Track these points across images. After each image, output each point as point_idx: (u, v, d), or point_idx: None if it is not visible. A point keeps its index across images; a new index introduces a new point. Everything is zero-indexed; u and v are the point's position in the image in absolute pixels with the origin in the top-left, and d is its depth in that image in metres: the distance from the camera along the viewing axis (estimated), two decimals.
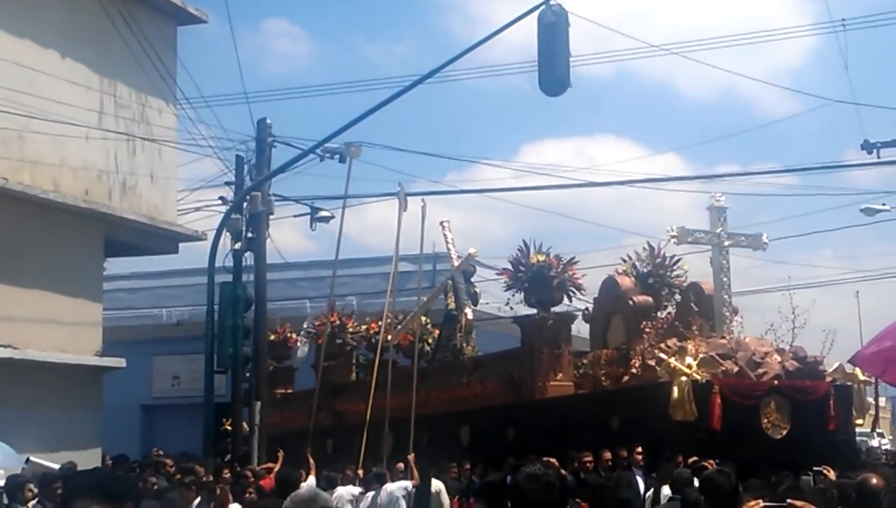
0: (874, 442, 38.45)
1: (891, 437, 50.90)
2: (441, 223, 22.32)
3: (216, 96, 21.13)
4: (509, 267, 18.51)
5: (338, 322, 23.27)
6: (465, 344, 20.95)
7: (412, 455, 16.51)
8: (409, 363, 20.59)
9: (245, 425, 19.67)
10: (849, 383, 16.06)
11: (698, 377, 14.58)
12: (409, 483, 15.75)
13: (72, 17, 18.58)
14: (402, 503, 15.39)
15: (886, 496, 6.63)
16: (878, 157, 23.03)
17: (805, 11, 74.22)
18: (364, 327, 23.82)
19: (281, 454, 16.45)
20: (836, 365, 16.14)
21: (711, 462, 10.98)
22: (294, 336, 24.84)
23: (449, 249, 22.17)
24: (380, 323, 21.81)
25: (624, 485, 14.15)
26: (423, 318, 22.07)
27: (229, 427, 20.34)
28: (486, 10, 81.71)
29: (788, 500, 6.22)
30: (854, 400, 16.08)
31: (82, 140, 18.49)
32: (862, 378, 15.98)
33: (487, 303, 24.23)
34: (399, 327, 21.69)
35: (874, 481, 6.74)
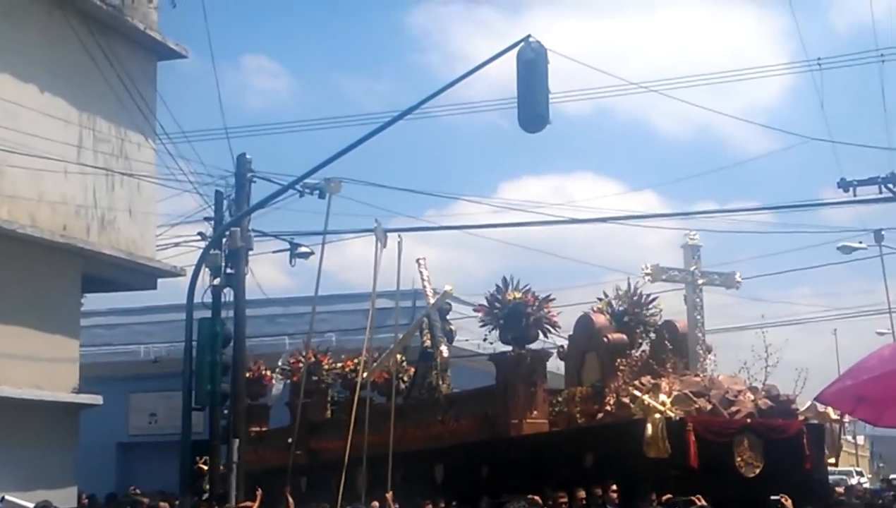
0: (853, 480, 38.49)
1: (870, 475, 51.01)
2: (417, 260, 22.36)
3: (196, 131, 21.04)
4: (486, 303, 18.52)
5: (313, 359, 23.15)
6: (440, 382, 20.91)
7: (390, 493, 16.38)
8: (384, 401, 20.50)
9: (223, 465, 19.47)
10: (821, 422, 16.07)
11: (672, 414, 14.54)
12: None
13: (51, 51, 18.53)
14: None
15: None
16: (855, 195, 23.23)
17: (781, 50, 75.03)
18: (340, 364, 23.71)
19: (259, 492, 16.28)
20: (808, 403, 16.13)
21: (699, 497, 10.95)
22: (269, 373, 24.70)
23: (424, 286, 22.22)
24: (355, 360, 21.75)
25: None
26: (399, 356, 21.99)
27: (204, 466, 20.15)
28: (464, 48, 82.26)
29: None
30: (826, 438, 16.10)
31: (61, 174, 18.39)
32: (834, 416, 16.02)
33: (466, 340, 24.20)
34: (375, 365, 21.60)
35: None
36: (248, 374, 23.74)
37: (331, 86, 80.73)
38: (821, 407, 15.80)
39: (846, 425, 16.78)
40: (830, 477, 37.26)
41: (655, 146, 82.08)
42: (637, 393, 15.07)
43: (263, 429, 24.49)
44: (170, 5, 20.40)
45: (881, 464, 69.77)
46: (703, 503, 9.76)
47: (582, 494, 15.15)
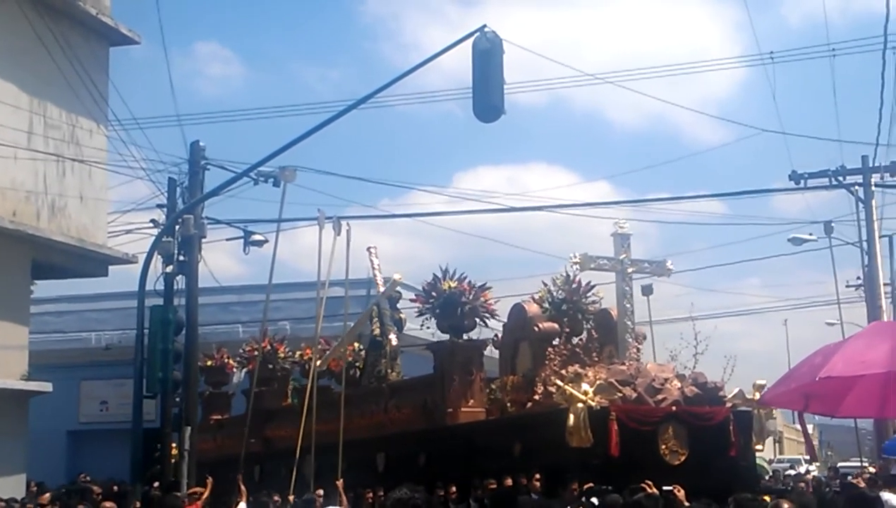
0: (802, 469, 39.05)
1: (818, 464, 51.74)
2: (368, 249, 22.35)
3: (148, 118, 21.00)
4: (423, 293, 18.53)
5: (269, 348, 23.11)
6: (390, 370, 20.93)
7: (340, 480, 16.38)
8: (341, 389, 20.49)
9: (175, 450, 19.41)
10: (748, 408, 15.97)
11: (593, 403, 14.42)
12: None
13: (2, 36, 18.33)
14: None
15: None
16: (806, 188, 23.56)
17: (734, 43, 75.75)
18: (298, 353, 23.68)
19: (209, 480, 16.23)
20: (735, 390, 16.09)
21: (678, 487, 10.85)
22: (231, 361, 24.61)
23: (375, 275, 22.19)
24: (313, 348, 21.72)
25: None
26: (357, 344, 21.98)
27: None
28: (417, 37, 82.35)
29: None
30: (754, 425, 15.97)
31: (10, 160, 18.22)
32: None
33: (421, 328, 24.21)
34: (328, 353, 21.59)
35: (786, 506, 6.80)
36: (209, 363, 23.69)
37: (284, 73, 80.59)
38: (748, 393, 15.86)
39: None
40: (778, 466, 37.81)
41: (610, 137, 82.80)
42: (559, 382, 14.92)
43: (225, 417, 24.40)
44: None
45: (829, 453, 70.77)
46: (653, 491, 9.80)
47: (509, 482, 15.17)
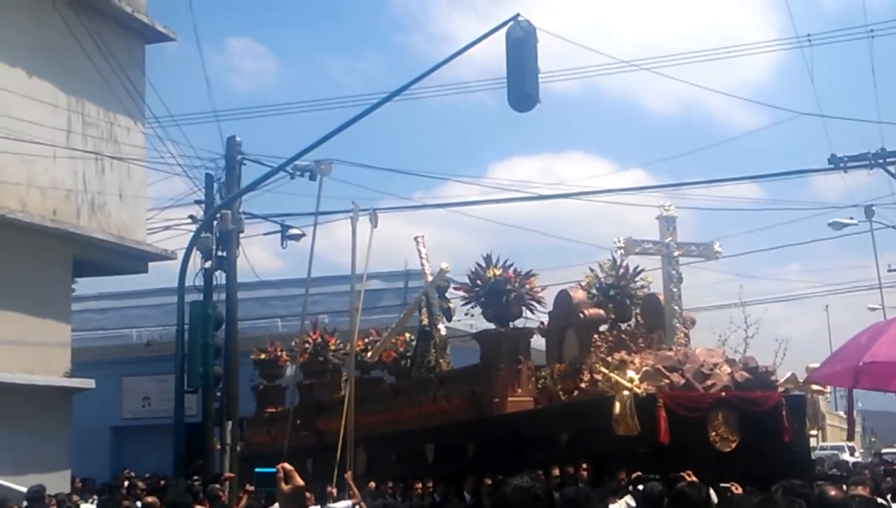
0: (845, 456, 38.65)
1: (861, 450, 51.21)
2: (415, 238, 22.10)
3: (184, 115, 21.11)
4: (468, 281, 18.31)
5: (319, 339, 23.01)
6: (440, 360, 20.70)
7: (349, 472, 16.22)
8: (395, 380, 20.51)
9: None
10: (802, 392, 15.57)
11: (638, 390, 14.10)
12: (349, 504, 15.48)
13: (38, 35, 18.46)
14: None
15: None
16: (845, 172, 23.29)
17: (768, 25, 74.99)
18: (349, 344, 23.52)
19: (245, 496, 16.18)
20: (788, 374, 15.69)
21: (688, 473, 10.75)
22: (284, 355, 24.59)
23: (423, 264, 21.88)
24: (366, 340, 21.66)
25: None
26: (408, 335, 21.73)
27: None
28: (446, 28, 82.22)
29: None
30: (808, 409, 15.61)
31: (50, 159, 18.34)
32: (815, 387, 15.56)
33: (466, 316, 24.08)
34: (378, 344, 21.51)
35: (833, 493, 6.67)
36: (263, 356, 23.67)
37: (315, 67, 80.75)
38: (801, 377, 15.43)
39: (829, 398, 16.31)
40: (822, 453, 37.43)
41: (644, 124, 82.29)
42: (604, 369, 14.64)
43: (279, 410, 24.45)
44: None
45: (873, 439, 70.10)
46: (692, 479, 9.69)
47: (556, 472, 14.98)
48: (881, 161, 23.28)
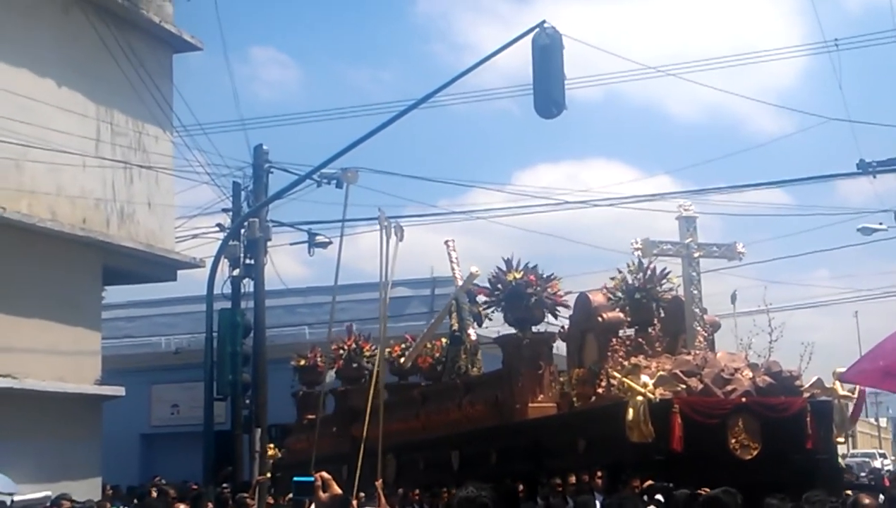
0: (876, 463, 38.36)
1: (893, 457, 50.78)
2: (446, 242, 21.85)
3: (211, 123, 21.26)
4: (488, 285, 18.07)
5: (354, 346, 22.93)
6: (470, 366, 20.49)
7: (380, 480, 16.13)
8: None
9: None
10: (828, 398, 14.91)
11: (652, 396, 13.59)
12: None
13: (67, 46, 18.63)
14: None
15: None
16: (875, 177, 23.11)
17: (792, 30, 74.65)
18: (388, 350, 23.39)
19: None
20: (814, 379, 15.10)
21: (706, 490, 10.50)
22: (321, 361, 24.57)
23: (453, 268, 21.63)
24: (402, 345, 21.59)
25: None
26: (444, 340, 21.55)
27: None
28: (468, 37, 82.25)
29: None
30: (835, 416, 14.89)
31: (79, 168, 18.50)
32: (842, 392, 14.93)
33: (487, 320, 23.97)
34: (410, 350, 21.45)
35: (867, 501, 6.62)
36: (303, 362, 23.61)
37: (338, 76, 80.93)
38: (828, 382, 14.85)
39: (864, 405, 15.77)
40: (853, 461, 37.06)
41: (669, 130, 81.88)
42: (617, 374, 14.19)
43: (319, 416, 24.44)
44: None
45: None
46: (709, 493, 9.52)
47: (573, 480, 14.66)
48: None
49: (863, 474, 27.30)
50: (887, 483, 19.25)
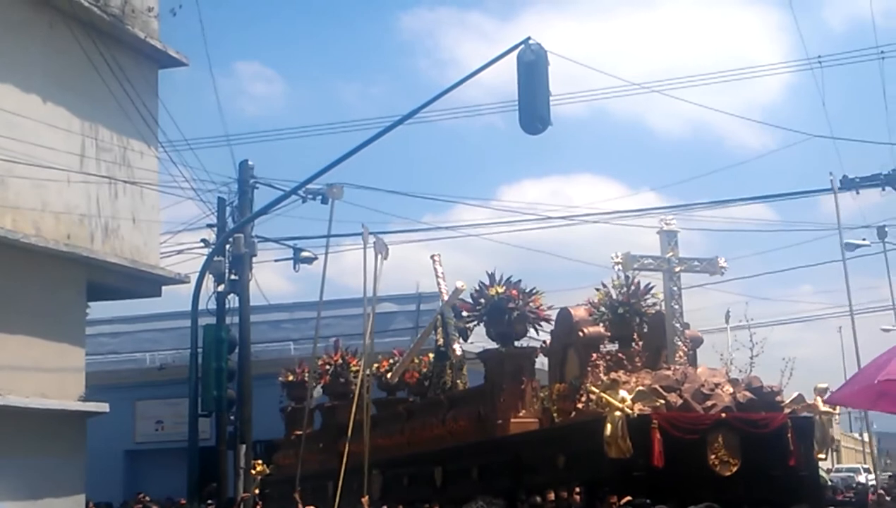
0: (861, 478, 38.48)
1: (880, 472, 50.89)
2: (432, 257, 21.81)
3: (197, 139, 21.20)
4: (471, 299, 18.05)
5: (341, 361, 22.86)
6: (456, 381, 20.47)
7: (366, 497, 16.12)
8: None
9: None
10: (809, 414, 14.84)
11: (630, 411, 13.48)
12: None
13: (53, 61, 18.60)
14: None
15: None
16: (857, 193, 23.30)
17: (776, 47, 75.11)
18: (376, 365, 23.32)
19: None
20: (794, 394, 15.08)
21: None
22: (307, 376, 24.48)
23: (439, 283, 21.58)
24: (390, 361, 21.57)
25: None
26: (431, 355, 21.53)
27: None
28: (455, 53, 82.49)
29: None
30: (816, 432, 14.79)
31: (64, 183, 18.45)
32: (824, 409, 14.82)
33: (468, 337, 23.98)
34: (397, 366, 21.46)
35: None
36: (290, 377, 23.54)
37: (324, 91, 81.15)
38: (809, 398, 14.79)
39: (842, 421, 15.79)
40: (837, 476, 37.17)
41: (654, 146, 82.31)
42: (595, 389, 14.04)
43: (306, 432, 24.39)
44: (169, 14, 20.49)
45: (888, 461, 69.82)
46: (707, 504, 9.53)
47: (551, 497, 14.58)
48: (893, 182, 23.28)
49: (852, 487, 27.34)
50: (871, 498, 19.30)
